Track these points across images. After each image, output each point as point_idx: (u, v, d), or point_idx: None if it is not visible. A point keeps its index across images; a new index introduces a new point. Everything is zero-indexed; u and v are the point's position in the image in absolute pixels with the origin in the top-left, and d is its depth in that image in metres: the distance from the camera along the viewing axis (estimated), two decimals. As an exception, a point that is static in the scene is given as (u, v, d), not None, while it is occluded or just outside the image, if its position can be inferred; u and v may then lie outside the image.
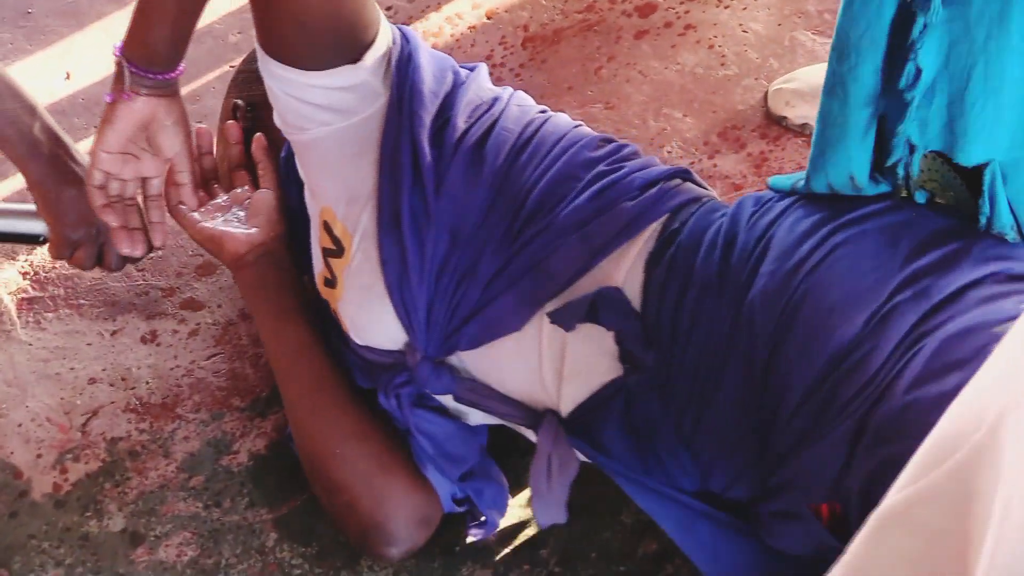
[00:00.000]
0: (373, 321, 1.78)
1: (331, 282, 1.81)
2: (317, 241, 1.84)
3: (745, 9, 2.61)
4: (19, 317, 2.19)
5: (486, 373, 1.76)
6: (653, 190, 1.72)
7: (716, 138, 2.41)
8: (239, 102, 2.07)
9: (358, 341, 1.82)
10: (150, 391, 2.10)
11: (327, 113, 1.75)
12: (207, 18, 2.62)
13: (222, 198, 2.00)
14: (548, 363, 1.68)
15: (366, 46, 1.73)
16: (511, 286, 1.69)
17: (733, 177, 2.34)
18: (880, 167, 1.59)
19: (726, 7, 2.62)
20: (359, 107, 1.76)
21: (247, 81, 2.08)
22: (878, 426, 1.41)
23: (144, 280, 2.25)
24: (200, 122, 2.50)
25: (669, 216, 1.69)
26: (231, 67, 2.62)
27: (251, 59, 2.11)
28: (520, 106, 1.84)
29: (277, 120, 1.82)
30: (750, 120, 2.44)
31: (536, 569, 1.86)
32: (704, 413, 1.57)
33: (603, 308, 1.63)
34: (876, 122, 1.57)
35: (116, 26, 2.71)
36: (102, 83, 2.60)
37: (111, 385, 2.11)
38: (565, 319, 1.65)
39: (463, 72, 1.85)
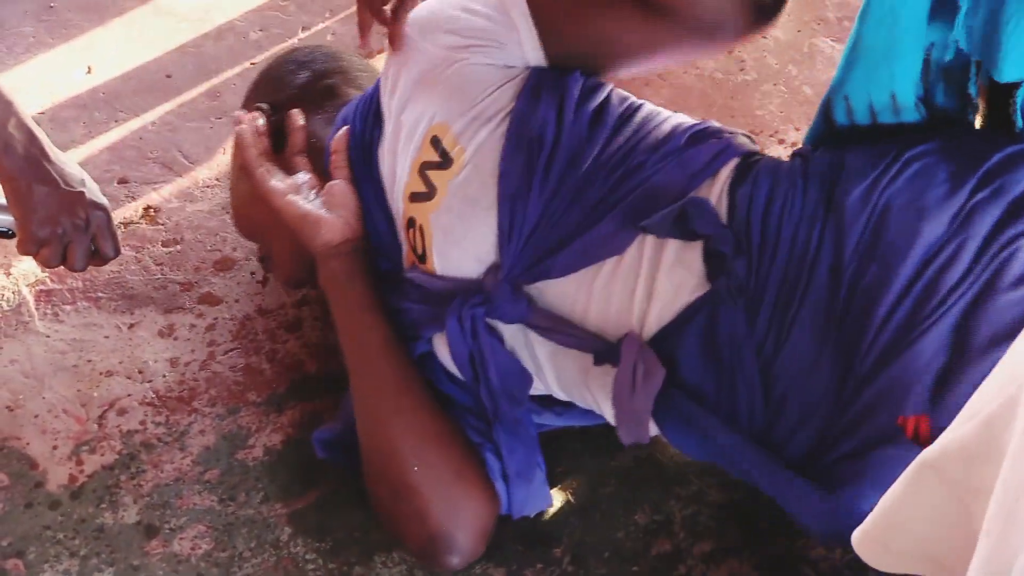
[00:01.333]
0: (468, 234, 1.79)
1: (425, 195, 1.80)
2: (412, 158, 1.84)
3: (765, 15, 2.61)
4: (37, 309, 2.20)
5: (569, 302, 1.76)
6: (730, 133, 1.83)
7: (734, 143, 2.41)
8: (263, 106, 2.05)
9: (440, 266, 1.82)
10: (167, 385, 2.10)
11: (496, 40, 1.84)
12: (228, 15, 2.65)
13: (300, 177, 1.97)
14: (643, 285, 1.70)
15: None
16: (614, 209, 1.73)
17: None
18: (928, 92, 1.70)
19: (746, 12, 2.62)
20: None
21: (267, 88, 2.10)
22: (987, 323, 1.50)
23: (162, 274, 2.25)
24: (219, 119, 2.52)
25: (744, 156, 1.78)
26: (251, 64, 2.64)
27: (272, 67, 2.13)
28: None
29: (440, 38, 1.86)
30: (768, 125, 2.44)
31: (549, 568, 1.86)
32: (789, 331, 1.62)
33: (693, 214, 1.68)
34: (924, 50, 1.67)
35: (137, 21, 2.73)
36: (123, 78, 2.62)
37: (128, 378, 2.11)
38: (658, 227, 1.70)
39: None
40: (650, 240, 1.72)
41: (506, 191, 1.76)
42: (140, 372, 2.12)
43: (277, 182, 1.94)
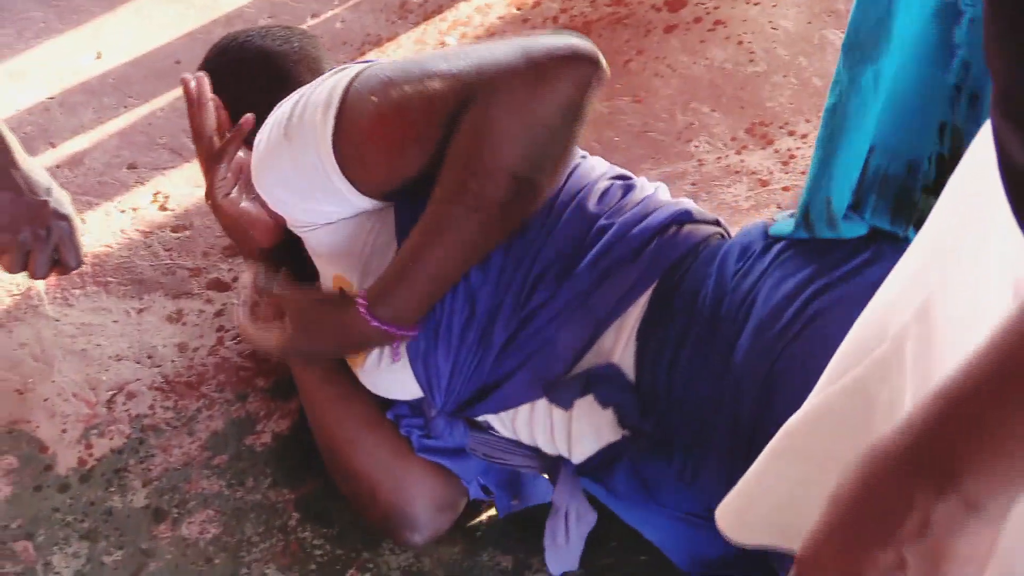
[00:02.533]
0: (392, 384, 1.80)
1: None
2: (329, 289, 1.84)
3: (775, 6, 2.62)
4: (47, 293, 2.20)
5: (501, 426, 1.78)
6: (651, 246, 1.70)
7: (744, 134, 2.42)
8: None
9: (374, 392, 1.83)
10: (175, 370, 2.11)
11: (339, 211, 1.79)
12: (237, 1, 2.65)
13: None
14: (558, 428, 1.71)
15: None
16: (523, 363, 1.69)
17: (760, 173, 2.34)
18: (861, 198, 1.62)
19: (756, 4, 2.63)
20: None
21: (217, 73, 2.02)
22: None
23: (171, 260, 2.26)
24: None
25: (663, 275, 1.68)
26: (261, 51, 2.63)
27: (215, 50, 2.10)
28: None
29: (283, 214, 1.84)
30: (778, 117, 2.44)
31: (557, 555, 1.86)
32: (701, 464, 1.60)
33: (596, 385, 1.65)
34: (870, 146, 1.59)
35: (146, 7, 2.73)
36: (132, 63, 2.62)
37: (137, 363, 2.12)
38: (562, 398, 1.68)
39: None
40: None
41: (415, 351, 1.73)
42: (149, 357, 2.13)
43: (223, 181, 1.89)
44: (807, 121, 2.42)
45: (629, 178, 1.80)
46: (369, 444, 1.83)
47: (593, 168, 1.80)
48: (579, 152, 1.81)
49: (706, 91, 2.50)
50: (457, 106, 1.61)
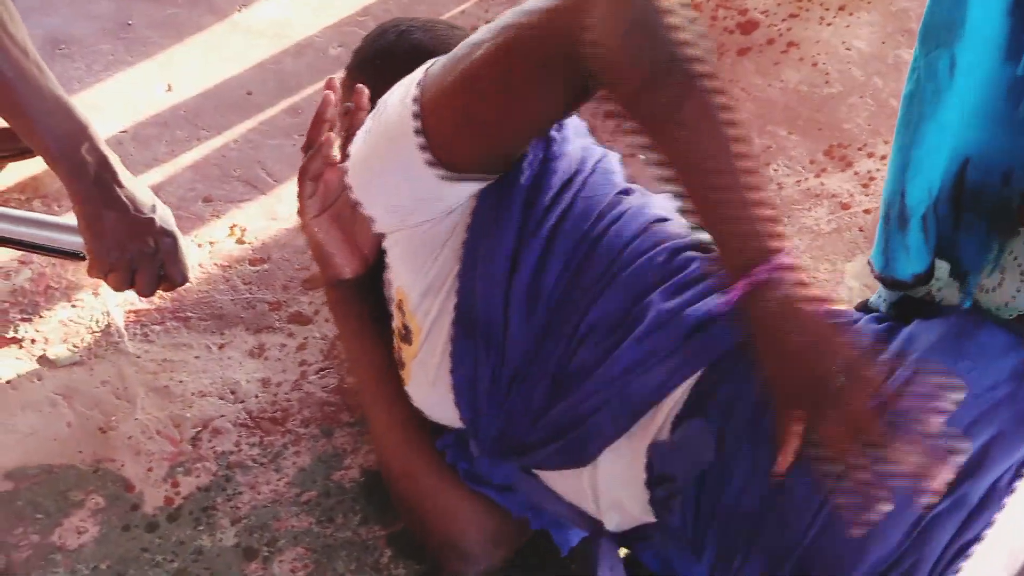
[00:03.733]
0: (435, 407, 1.76)
1: (401, 363, 1.78)
2: (392, 309, 1.80)
3: (848, 27, 2.60)
4: (127, 329, 2.19)
5: (547, 480, 1.73)
6: (701, 334, 1.56)
7: (822, 156, 2.39)
8: (349, 106, 1.90)
9: (427, 414, 1.79)
10: (260, 405, 2.09)
11: (426, 211, 1.68)
12: (307, 31, 2.64)
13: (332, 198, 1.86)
14: (589, 496, 1.66)
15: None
16: (556, 437, 1.63)
17: (840, 196, 2.32)
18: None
19: (828, 24, 2.61)
20: (455, 204, 1.69)
21: (367, 63, 1.98)
22: None
23: (251, 293, 2.24)
24: (301, 136, 2.50)
25: (707, 368, 1.56)
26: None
27: (368, 43, 2.02)
28: (597, 187, 1.71)
29: (373, 215, 1.74)
30: (856, 138, 2.42)
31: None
32: (736, 571, 1.51)
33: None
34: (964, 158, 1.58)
35: (216, 38, 2.72)
36: (203, 95, 2.61)
37: (220, 399, 2.10)
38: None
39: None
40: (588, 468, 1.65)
41: (461, 385, 1.68)
42: (232, 392, 2.11)
43: (311, 200, 1.83)
44: (885, 143, 2.39)
45: (697, 245, 1.67)
46: (422, 473, 1.81)
47: (637, 215, 1.69)
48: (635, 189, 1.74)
49: (782, 114, 2.48)
50: (538, 43, 1.51)
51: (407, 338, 1.73)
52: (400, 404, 1.81)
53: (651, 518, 1.60)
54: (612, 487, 1.61)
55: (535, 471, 1.71)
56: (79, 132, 1.72)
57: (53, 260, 2.26)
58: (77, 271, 2.25)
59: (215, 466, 2.02)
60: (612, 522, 1.66)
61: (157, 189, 2.40)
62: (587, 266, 1.63)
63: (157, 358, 2.16)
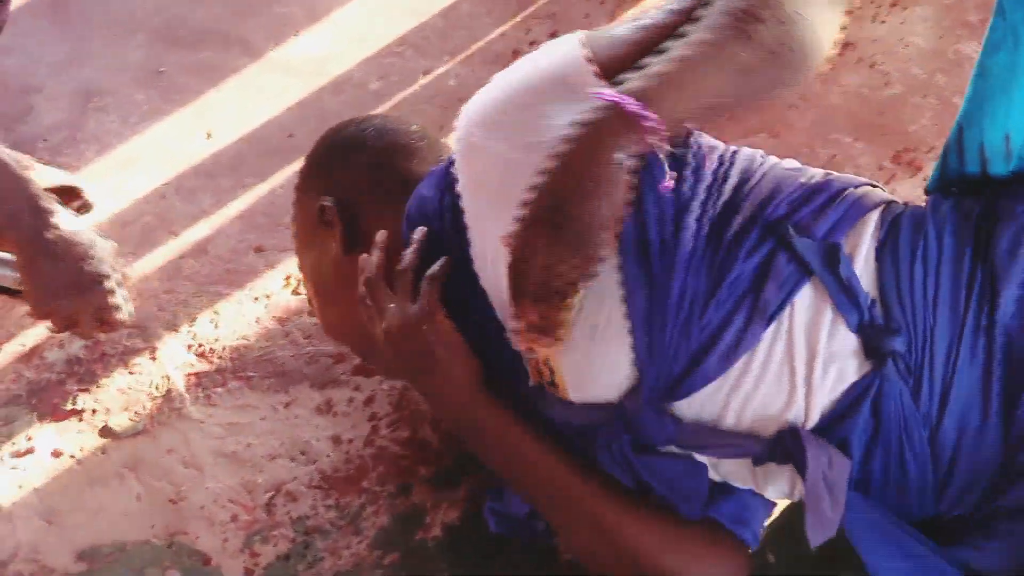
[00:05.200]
0: (603, 369, 1.64)
1: (547, 328, 1.67)
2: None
3: (903, 23, 2.53)
4: (188, 393, 2.12)
5: (716, 410, 1.63)
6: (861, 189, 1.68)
7: (890, 163, 2.32)
8: (326, 202, 1.86)
9: (574, 396, 1.68)
10: (332, 464, 2.03)
11: None
12: (344, 65, 2.57)
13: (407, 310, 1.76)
14: (799, 374, 1.57)
15: None
16: (742, 299, 1.59)
17: (913, 202, 2.23)
18: None
19: (883, 21, 2.53)
20: None
21: (325, 171, 1.92)
22: None
23: (312, 347, 2.17)
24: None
25: (885, 206, 1.65)
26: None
27: (322, 146, 1.96)
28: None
29: (517, 143, 1.63)
30: (923, 141, 2.34)
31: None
32: (948, 393, 1.53)
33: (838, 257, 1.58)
34: None
35: (252, 79, 2.65)
36: (244, 140, 2.55)
37: (291, 460, 2.03)
38: (806, 253, 1.59)
39: None
40: (784, 329, 1.58)
41: (638, 313, 1.60)
42: (303, 453, 2.04)
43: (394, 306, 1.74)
44: (955, 143, 2.31)
45: None
46: (639, 526, 1.71)
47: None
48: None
49: (844, 120, 2.40)
50: None
51: None
52: (601, 487, 1.72)
53: (862, 372, 1.56)
54: (830, 340, 1.57)
55: (702, 419, 1.64)
56: (12, 180, 1.73)
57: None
58: (132, 336, 2.19)
59: (292, 532, 1.95)
60: (820, 402, 1.57)
61: (206, 243, 2.35)
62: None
63: (222, 422, 2.09)
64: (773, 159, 1.73)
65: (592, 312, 1.61)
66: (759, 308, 1.58)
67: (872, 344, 1.55)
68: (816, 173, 1.70)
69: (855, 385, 1.56)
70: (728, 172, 1.67)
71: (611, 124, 1.44)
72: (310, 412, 2.10)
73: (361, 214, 1.84)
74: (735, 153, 1.71)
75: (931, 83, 2.43)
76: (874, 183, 1.71)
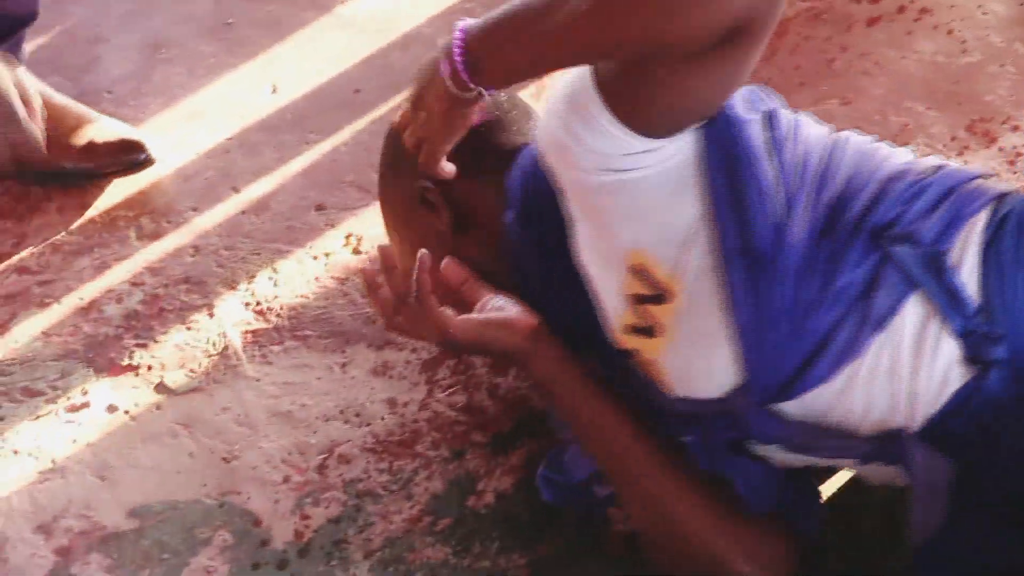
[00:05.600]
0: (706, 367, 1.62)
1: (648, 330, 1.64)
2: (619, 290, 1.65)
3: (982, -12, 2.46)
4: (244, 351, 2.11)
5: (821, 412, 1.60)
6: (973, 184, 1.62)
7: (964, 132, 2.26)
8: (427, 184, 1.82)
9: (679, 392, 1.66)
10: (387, 428, 2.01)
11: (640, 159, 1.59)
12: (413, 21, 2.55)
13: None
14: (905, 378, 1.55)
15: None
16: (853, 305, 1.56)
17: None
18: None
19: (961, -13, 2.47)
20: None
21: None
22: None
23: (371, 308, 2.15)
24: (413, 134, 2.41)
25: (996, 202, 1.59)
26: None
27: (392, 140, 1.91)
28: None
29: (574, 167, 1.61)
30: (999, 111, 2.28)
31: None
32: None
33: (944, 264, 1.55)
34: None
35: (319, 34, 2.63)
36: (309, 96, 2.53)
37: (346, 423, 2.02)
38: (906, 262, 1.55)
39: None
40: (892, 336, 1.55)
41: (743, 320, 1.58)
42: (357, 415, 2.03)
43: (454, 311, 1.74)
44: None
45: None
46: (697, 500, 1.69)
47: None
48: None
49: (919, 87, 2.34)
50: None
51: (661, 299, 1.61)
52: (670, 460, 1.70)
53: (969, 376, 1.53)
54: (934, 351, 1.54)
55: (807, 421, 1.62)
56: None
57: (165, 281, 2.20)
58: (190, 292, 2.18)
59: (344, 495, 1.94)
60: (925, 408, 1.55)
61: (268, 199, 2.36)
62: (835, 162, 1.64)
63: (278, 381, 2.08)
64: (884, 149, 1.68)
65: (697, 314, 1.60)
66: (869, 316, 1.55)
67: (975, 351, 1.52)
68: (927, 166, 1.64)
69: (958, 393, 1.53)
70: (836, 168, 1.63)
71: (440, 59, 1.57)
72: (366, 373, 2.08)
73: (463, 193, 1.81)
74: (842, 143, 1.67)
75: (1009, 51, 2.36)
76: (988, 173, 1.65)
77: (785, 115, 1.65)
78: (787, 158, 1.61)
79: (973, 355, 1.52)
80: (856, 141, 1.68)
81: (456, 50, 1.54)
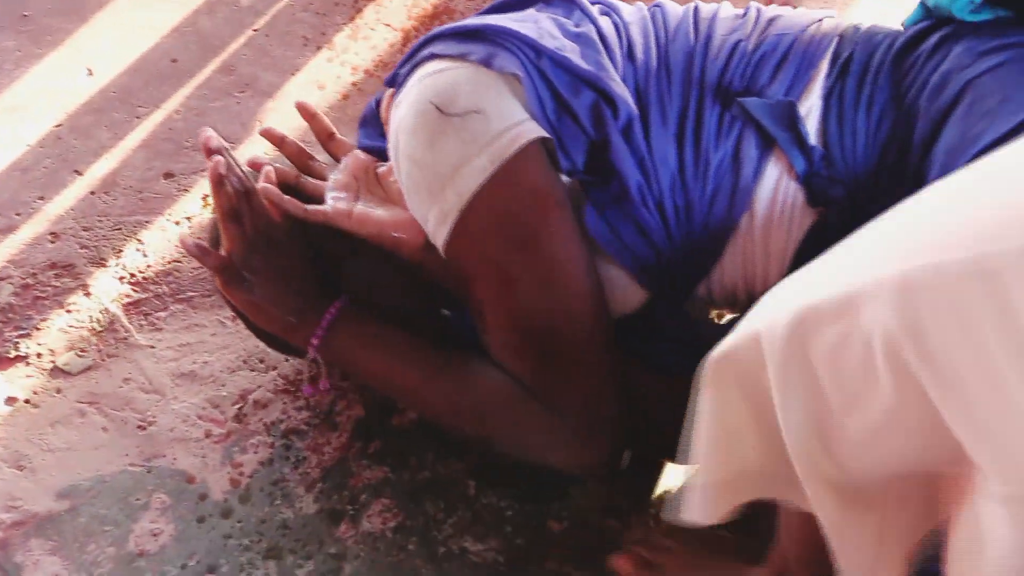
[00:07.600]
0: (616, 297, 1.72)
1: None
2: None
3: None
4: (130, 322, 2.11)
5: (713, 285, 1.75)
6: (808, 32, 1.71)
7: None
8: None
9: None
10: (294, 368, 2.03)
11: None
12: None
13: (333, 179, 1.81)
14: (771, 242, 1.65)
15: None
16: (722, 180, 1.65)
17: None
18: None
19: None
20: None
21: None
22: None
23: (247, 259, 2.16)
24: (243, 92, 2.44)
25: (836, 44, 1.68)
26: (254, 31, 2.55)
27: None
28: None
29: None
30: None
31: None
32: None
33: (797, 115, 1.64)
34: None
35: (121, 12, 2.62)
36: (128, 72, 2.51)
37: (252, 370, 2.04)
38: (759, 112, 1.65)
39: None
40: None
41: (627, 258, 1.68)
42: (261, 361, 2.05)
43: (347, 205, 1.77)
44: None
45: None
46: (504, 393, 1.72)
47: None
48: None
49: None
50: None
51: None
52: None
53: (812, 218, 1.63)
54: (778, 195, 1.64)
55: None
56: None
57: (32, 270, 2.17)
58: (60, 276, 2.16)
59: (269, 438, 1.96)
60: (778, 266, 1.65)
61: (113, 177, 2.33)
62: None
63: (173, 344, 2.09)
64: (705, 7, 1.77)
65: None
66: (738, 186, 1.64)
67: (818, 193, 1.61)
68: (762, 19, 1.74)
69: (806, 235, 1.62)
70: (667, 46, 1.72)
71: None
72: (259, 322, 2.10)
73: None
74: (659, 15, 1.76)
75: None
76: (820, 15, 1.74)
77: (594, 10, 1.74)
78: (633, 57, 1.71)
79: (814, 196, 1.61)
80: (671, 6, 1.77)
81: (318, 332, 1.75)
